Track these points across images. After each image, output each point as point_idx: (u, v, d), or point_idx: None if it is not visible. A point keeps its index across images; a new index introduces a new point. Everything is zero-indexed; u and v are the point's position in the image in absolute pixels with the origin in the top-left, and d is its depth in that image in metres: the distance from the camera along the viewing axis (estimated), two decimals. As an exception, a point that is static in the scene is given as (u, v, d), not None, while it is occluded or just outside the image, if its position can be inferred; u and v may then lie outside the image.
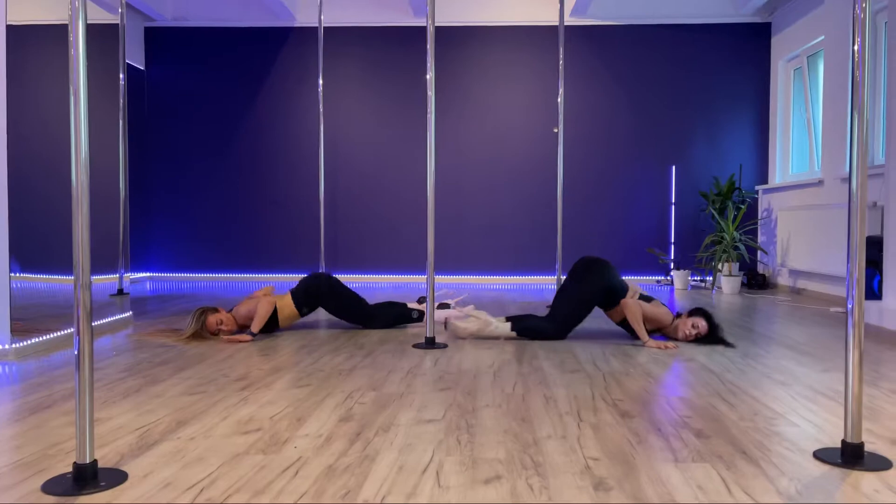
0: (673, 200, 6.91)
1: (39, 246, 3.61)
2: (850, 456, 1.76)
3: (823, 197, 5.69)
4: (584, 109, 6.93)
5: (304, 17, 7.04)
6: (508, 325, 3.60)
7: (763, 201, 6.85)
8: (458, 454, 1.81)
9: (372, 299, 4.51)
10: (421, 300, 4.26)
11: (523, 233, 6.99)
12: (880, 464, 1.75)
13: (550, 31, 6.91)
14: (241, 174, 7.13)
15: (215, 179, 7.14)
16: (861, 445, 1.76)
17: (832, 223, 5.33)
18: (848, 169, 5.36)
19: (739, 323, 4.26)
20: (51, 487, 1.58)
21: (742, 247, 6.19)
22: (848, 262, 1.76)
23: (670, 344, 3.39)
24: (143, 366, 2.93)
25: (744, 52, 6.86)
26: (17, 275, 3.19)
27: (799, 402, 2.37)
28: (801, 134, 6.54)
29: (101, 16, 4.77)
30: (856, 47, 1.75)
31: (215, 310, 3.65)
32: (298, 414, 2.19)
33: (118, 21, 5.38)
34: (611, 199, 6.96)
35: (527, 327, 3.59)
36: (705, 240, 6.45)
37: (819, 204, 5.69)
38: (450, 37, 6.96)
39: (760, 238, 6.84)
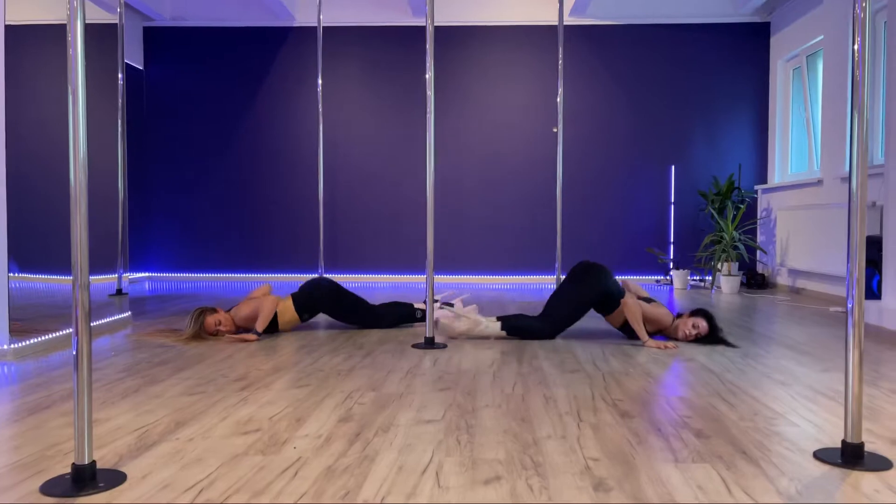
0: (672, 200, 6.91)
1: (38, 246, 3.60)
2: (850, 456, 1.76)
3: (823, 196, 5.69)
4: (583, 109, 6.93)
5: (303, 17, 7.04)
6: (499, 324, 3.61)
7: (762, 201, 6.85)
8: (457, 454, 1.81)
9: (372, 299, 4.50)
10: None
11: (523, 233, 6.99)
12: (880, 464, 1.75)
13: (550, 30, 6.91)
14: (241, 174, 7.12)
15: (214, 179, 7.13)
16: (861, 445, 1.76)
17: (831, 223, 5.33)
18: (847, 168, 5.39)
19: (739, 323, 4.26)
20: (49, 488, 1.57)
21: (741, 246, 6.19)
22: (848, 262, 1.75)
23: (670, 344, 3.39)
24: (142, 366, 2.93)
25: (743, 51, 6.86)
26: (16, 275, 3.18)
27: (799, 402, 2.37)
28: (801, 133, 6.54)
29: (99, 15, 4.76)
30: (856, 47, 1.74)
31: (214, 310, 3.64)
32: (298, 414, 2.19)
33: (117, 21, 5.37)
34: (610, 199, 6.96)
35: (516, 326, 3.60)
36: (704, 239, 6.45)
37: (818, 203, 5.69)
38: (449, 36, 6.96)
39: (760, 238, 6.84)
